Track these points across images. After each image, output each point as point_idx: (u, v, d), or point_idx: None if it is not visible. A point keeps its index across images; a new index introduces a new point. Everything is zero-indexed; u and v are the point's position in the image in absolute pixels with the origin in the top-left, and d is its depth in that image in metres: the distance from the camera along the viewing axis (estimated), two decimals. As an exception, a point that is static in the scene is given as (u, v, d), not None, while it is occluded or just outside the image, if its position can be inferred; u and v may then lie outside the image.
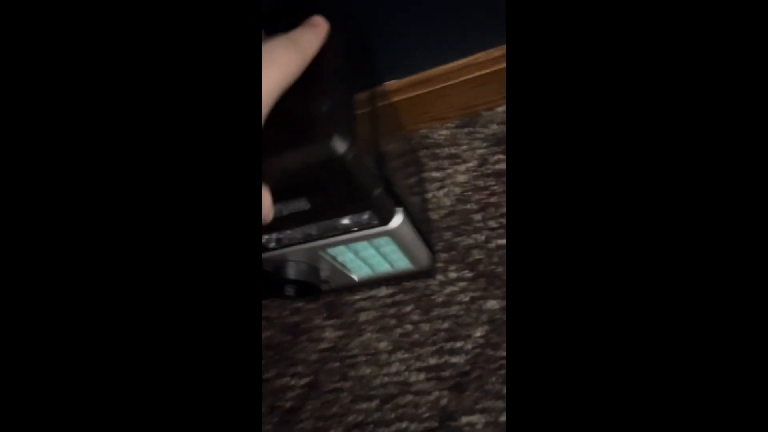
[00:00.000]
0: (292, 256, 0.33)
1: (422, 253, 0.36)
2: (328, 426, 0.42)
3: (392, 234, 0.31)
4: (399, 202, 0.30)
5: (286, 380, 0.44)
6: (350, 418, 0.41)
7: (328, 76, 0.24)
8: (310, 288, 0.34)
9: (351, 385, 0.42)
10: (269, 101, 0.20)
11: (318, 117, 0.23)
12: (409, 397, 0.40)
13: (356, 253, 0.35)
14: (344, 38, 0.25)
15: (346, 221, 0.29)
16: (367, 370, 0.42)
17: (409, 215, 0.32)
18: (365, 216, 0.29)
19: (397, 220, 0.30)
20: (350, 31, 0.27)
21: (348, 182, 0.24)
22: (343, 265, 0.37)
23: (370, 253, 0.35)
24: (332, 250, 0.33)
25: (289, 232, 0.30)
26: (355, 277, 0.39)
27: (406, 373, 0.41)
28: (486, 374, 0.39)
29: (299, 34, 0.22)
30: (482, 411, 0.38)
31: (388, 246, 0.34)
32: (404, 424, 0.40)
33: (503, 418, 0.37)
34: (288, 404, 0.43)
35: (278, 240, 0.31)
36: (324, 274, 0.35)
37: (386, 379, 0.42)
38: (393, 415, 0.40)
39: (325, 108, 0.23)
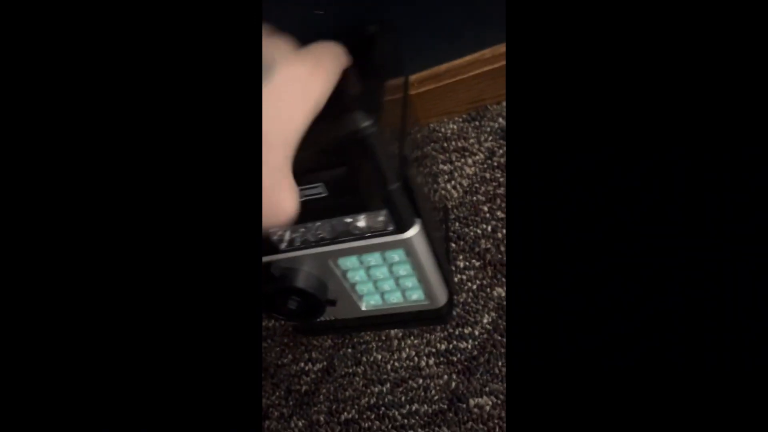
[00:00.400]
0: (301, 266, 0.31)
1: (438, 285, 0.34)
2: (342, 408, 0.44)
3: (407, 246, 0.30)
4: (418, 213, 0.29)
5: (302, 366, 0.46)
6: (363, 401, 0.43)
7: (359, 66, 0.23)
8: (314, 305, 0.32)
9: (364, 369, 0.44)
10: (298, 133, 0.18)
11: (344, 97, 0.22)
12: (420, 381, 0.42)
13: (368, 269, 0.33)
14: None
15: (361, 223, 0.29)
16: (379, 356, 0.44)
17: (427, 232, 0.30)
18: (381, 217, 0.28)
19: (414, 230, 0.29)
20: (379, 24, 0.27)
21: (367, 164, 0.24)
22: (352, 287, 0.35)
23: (382, 273, 0.33)
24: (343, 262, 0.32)
25: (301, 230, 0.30)
26: (363, 306, 0.37)
27: (416, 358, 0.43)
28: (494, 358, 0.40)
29: (325, 60, 0.20)
30: (490, 393, 0.40)
31: (402, 266, 0.32)
32: (415, 406, 0.42)
33: (510, 400, 0.39)
34: (304, 388, 0.45)
35: (290, 241, 0.30)
36: (331, 293, 0.33)
37: (397, 364, 0.43)
38: (404, 398, 0.42)
39: (353, 92, 0.23)
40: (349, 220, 0.29)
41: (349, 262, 0.33)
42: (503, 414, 0.39)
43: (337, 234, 0.30)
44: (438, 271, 0.34)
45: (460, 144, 0.47)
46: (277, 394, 0.46)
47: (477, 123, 0.47)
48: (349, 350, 0.45)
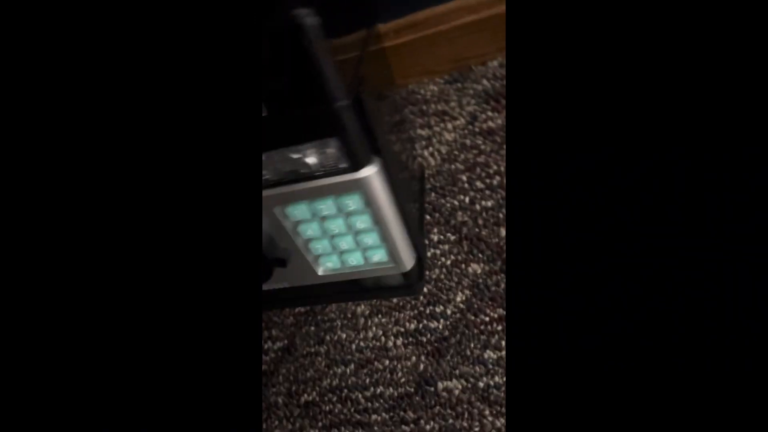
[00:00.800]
0: None
1: (403, 244, 0.30)
2: (302, 390, 0.40)
3: (364, 188, 0.26)
4: (377, 150, 0.25)
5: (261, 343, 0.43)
6: (325, 382, 0.40)
7: None
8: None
9: (327, 349, 0.41)
10: None
11: None
12: (386, 362, 0.39)
13: (322, 222, 0.29)
14: None
15: (310, 159, 0.25)
16: (344, 335, 0.41)
17: (388, 175, 0.26)
18: (331, 148, 0.24)
19: (372, 168, 0.25)
20: None
21: (308, 70, 0.20)
22: (305, 244, 0.31)
23: (339, 226, 0.29)
24: (292, 210, 0.28)
25: None
26: (320, 270, 0.33)
27: (384, 338, 0.40)
28: (466, 339, 0.37)
29: None
30: (460, 376, 0.37)
31: (360, 216, 0.28)
32: (380, 389, 0.39)
33: (481, 384, 0.36)
34: (262, 368, 0.42)
35: None
36: (281, 251, 0.29)
37: (363, 343, 0.40)
38: (369, 380, 0.39)
39: None
40: (296, 155, 0.25)
41: (298, 211, 0.28)
42: (473, 398, 0.36)
43: (283, 174, 0.26)
44: (403, 227, 0.29)
45: (440, 107, 0.43)
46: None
47: (459, 85, 0.43)
48: (312, 328, 0.42)
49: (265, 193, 0.27)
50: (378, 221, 0.29)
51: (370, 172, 0.26)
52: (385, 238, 0.30)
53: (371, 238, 0.30)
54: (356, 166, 0.25)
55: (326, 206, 0.28)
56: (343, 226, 0.29)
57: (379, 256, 0.32)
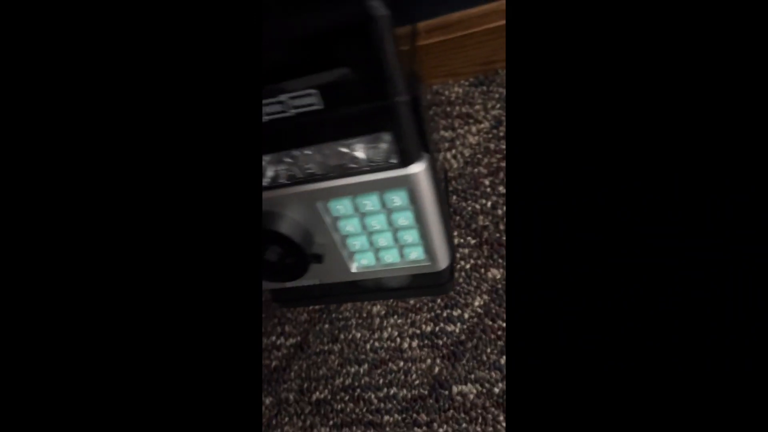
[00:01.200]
0: (284, 209, 0.27)
1: (442, 243, 0.30)
2: (314, 387, 0.40)
3: (411, 185, 0.26)
4: (426, 147, 0.25)
5: (273, 339, 0.42)
6: (338, 381, 0.40)
7: None
8: (298, 259, 0.28)
9: (341, 348, 0.41)
10: None
11: None
12: (401, 364, 0.39)
13: (363, 217, 0.29)
14: None
15: (359, 153, 0.24)
16: (359, 334, 0.41)
17: (434, 174, 0.26)
18: (383, 144, 0.23)
19: (421, 165, 0.25)
20: None
21: (373, 62, 0.19)
22: (343, 240, 0.30)
23: (380, 222, 0.29)
24: (334, 205, 0.28)
25: (287, 160, 0.25)
26: (353, 267, 0.32)
27: (399, 339, 0.39)
28: (482, 345, 0.37)
29: None
30: (475, 381, 0.37)
31: (403, 213, 0.28)
32: (393, 390, 0.39)
33: (497, 389, 0.36)
34: (274, 363, 0.42)
35: (273, 177, 0.25)
36: (318, 247, 0.29)
37: (378, 344, 0.40)
38: (382, 381, 0.39)
39: None
40: (344, 150, 0.24)
41: (341, 206, 0.28)
42: (488, 404, 0.36)
43: (330, 169, 0.25)
44: (442, 226, 0.29)
45: (464, 110, 0.43)
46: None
47: (485, 88, 0.42)
48: (326, 326, 0.42)
49: (310, 187, 0.26)
50: (420, 219, 0.28)
51: (419, 168, 0.25)
52: (425, 236, 0.29)
53: (411, 236, 0.30)
54: (406, 162, 0.25)
55: (370, 201, 0.27)
56: (385, 222, 0.29)
57: (416, 254, 0.31)
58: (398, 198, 0.27)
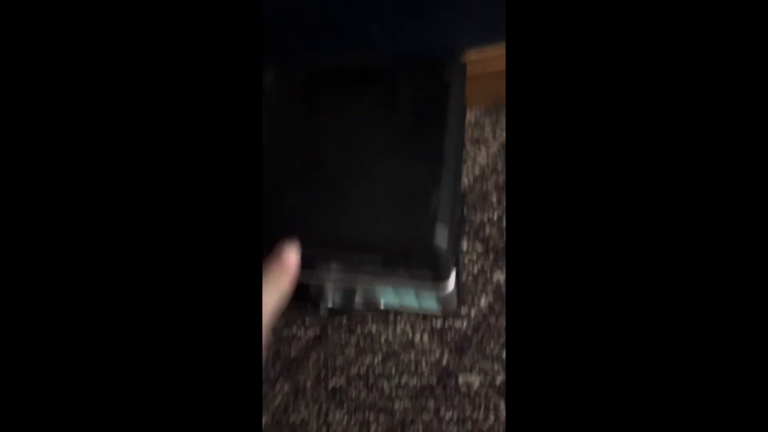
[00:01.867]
0: (335, 274, 0.33)
1: (453, 301, 0.37)
2: (331, 375, 0.44)
3: (440, 290, 0.33)
4: (456, 262, 0.32)
5: (294, 331, 0.46)
6: (353, 370, 0.44)
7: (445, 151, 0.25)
8: (341, 309, 0.36)
9: (357, 340, 0.45)
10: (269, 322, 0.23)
11: (423, 201, 0.24)
12: (412, 355, 0.43)
13: (397, 291, 0.36)
14: None
15: (404, 276, 0.31)
16: (374, 328, 0.45)
17: (458, 275, 0.33)
18: (424, 274, 0.30)
19: (450, 279, 0.31)
20: None
21: (432, 265, 0.26)
22: (377, 296, 0.38)
23: (407, 292, 0.36)
24: (376, 283, 0.35)
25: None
26: (381, 304, 0.40)
27: (411, 333, 0.44)
28: (486, 339, 0.42)
29: (273, 275, 0.25)
30: (479, 371, 0.41)
31: (429, 299, 0.36)
32: (404, 379, 0.42)
33: (499, 380, 0.40)
34: (293, 353, 0.45)
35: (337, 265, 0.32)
36: (357, 300, 0.36)
37: (391, 337, 0.44)
38: (394, 370, 0.43)
39: (433, 196, 0.25)
40: (394, 272, 0.31)
41: (383, 289, 0.35)
42: (490, 392, 0.40)
43: (380, 276, 0.32)
44: (455, 291, 0.36)
45: (476, 134, 0.49)
46: (265, 356, 0.46)
47: (494, 117, 0.49)
48: (344, 320, 0.46)
49: (361, 276, 0.33)
50: (440, 301, 0.36)
51: (448, 284, 0.32)
52: (442, 304, 0.37)
53: (430, 303, 0.37)
54: (438, 279, 0.31)
55: (404, 290, 0.35)
56: (413, 296, 0.36)
57: (432, 306, 0.39)
58: (428, 295, 0.35)
